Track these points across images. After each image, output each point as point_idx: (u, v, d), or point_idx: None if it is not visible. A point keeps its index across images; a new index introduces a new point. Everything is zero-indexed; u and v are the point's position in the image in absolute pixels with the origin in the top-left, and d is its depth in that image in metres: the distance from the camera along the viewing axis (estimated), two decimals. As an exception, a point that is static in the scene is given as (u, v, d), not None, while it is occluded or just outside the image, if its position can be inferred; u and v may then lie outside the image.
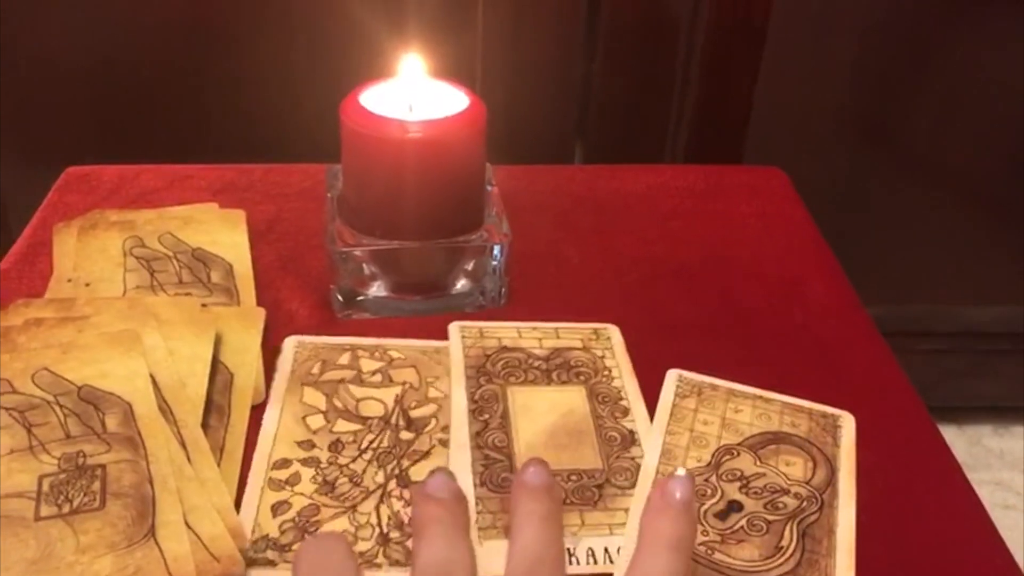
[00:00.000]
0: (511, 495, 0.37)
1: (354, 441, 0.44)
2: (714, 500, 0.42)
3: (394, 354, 0.49)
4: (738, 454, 0.44)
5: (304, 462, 0.43)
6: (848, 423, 0.46)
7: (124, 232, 0.55)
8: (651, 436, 0.44)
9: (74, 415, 0.42)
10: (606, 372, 0.48)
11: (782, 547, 0.40)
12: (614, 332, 0.51)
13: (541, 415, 0.46)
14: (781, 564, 0.39)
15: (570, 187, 0.65)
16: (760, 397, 0.47)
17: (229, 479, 0.41)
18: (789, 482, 0.43)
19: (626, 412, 0.46)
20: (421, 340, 0.50)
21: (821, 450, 0.45)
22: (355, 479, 0.42)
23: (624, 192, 0.65)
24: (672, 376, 0.48)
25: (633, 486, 0.42)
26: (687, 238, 0.60)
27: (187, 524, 0.38)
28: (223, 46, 0.82)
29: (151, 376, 0.44)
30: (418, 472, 0.42)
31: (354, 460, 0.43)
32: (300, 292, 0.54)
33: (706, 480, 0.43)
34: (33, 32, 0.81)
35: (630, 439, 0.45)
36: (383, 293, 0.52)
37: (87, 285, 0.52)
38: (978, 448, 1.03)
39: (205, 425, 0.43)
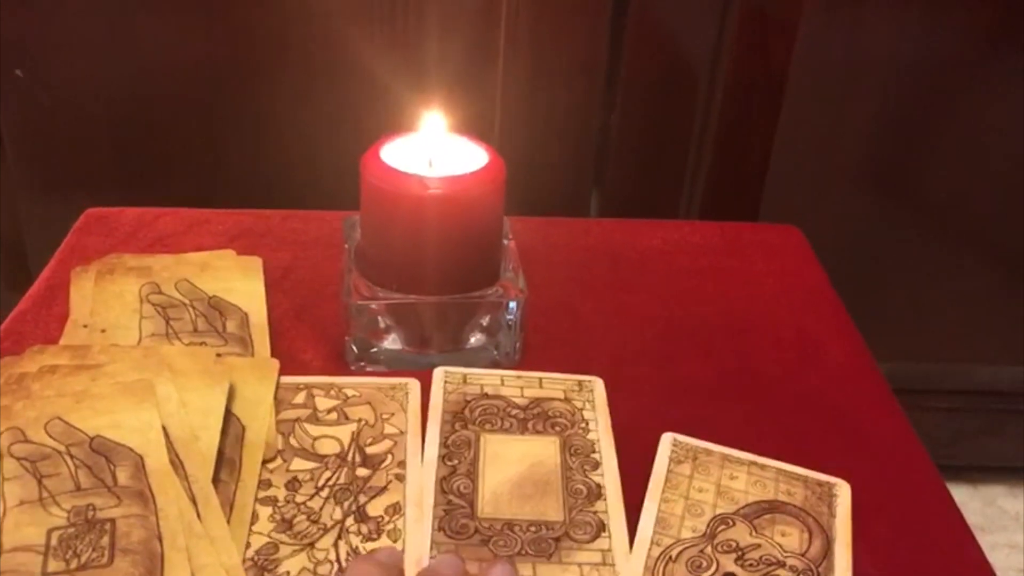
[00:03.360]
0: None
1: (311, 479, 0.44)
2: (710, 572, 0.41)
3: (349, 392, 0.49)
4: (733, 524, 0.44)
5: (262, 501, 0.43)
6: (844, 491, 0.46)
7: (141, 278, 0.56)
8: (646, 504, 0.44)
9: (85, 467, 0.42)
10: (583, 424, 0.48)
11: None
12: (597, 384, 0.51)
13: (510, 464, 0.46)
14: None
15: (586, 240, 0.65)
16: (755, 463, 0.47)
17: (238, 535, 0.41)
18: (785, 554, 0.42)
19: (596, 465, 0.46)
20: (376, 377, 0.51)
21: (817, 520, 0.44)
22: (312, 516, 0.42)
23: (641, 247, 0.64)
24: (667, 440, 0.48)
25: (592, 540, 0.42)
26: (703, 296, 0.60)
27: (195, 583, 0.38)
28: (245, 89, 0.82)
29: (163, 428, 0.44)
30: (375, 508, 0.43)
31: (311, 498, 0.43)
32: (314, 342, 0.54)
33: (701, 551, 0.42)
34: (56, 69, 0.82)
35: (596, 493, 0.44)
36: (397, 346, 0.52)
37: (103, 331, 0.52)
38: (993, 509, 1.02)
39: (216, 479, 0.43)
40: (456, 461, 0.45)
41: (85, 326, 0.52)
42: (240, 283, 0.56)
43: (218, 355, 0.50)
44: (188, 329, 0.52)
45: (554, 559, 0.41)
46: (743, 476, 0.46)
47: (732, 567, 0.42)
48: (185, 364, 0.48)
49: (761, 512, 0.44)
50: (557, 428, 0.48)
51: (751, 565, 0.42)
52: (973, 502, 1.01)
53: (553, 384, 0.51)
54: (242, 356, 0.51)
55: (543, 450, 0.47)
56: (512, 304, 0.52)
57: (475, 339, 0.53)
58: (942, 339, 1.00)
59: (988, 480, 1.05)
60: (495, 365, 0.53)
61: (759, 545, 0.43)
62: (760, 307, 0.59)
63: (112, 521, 0.40)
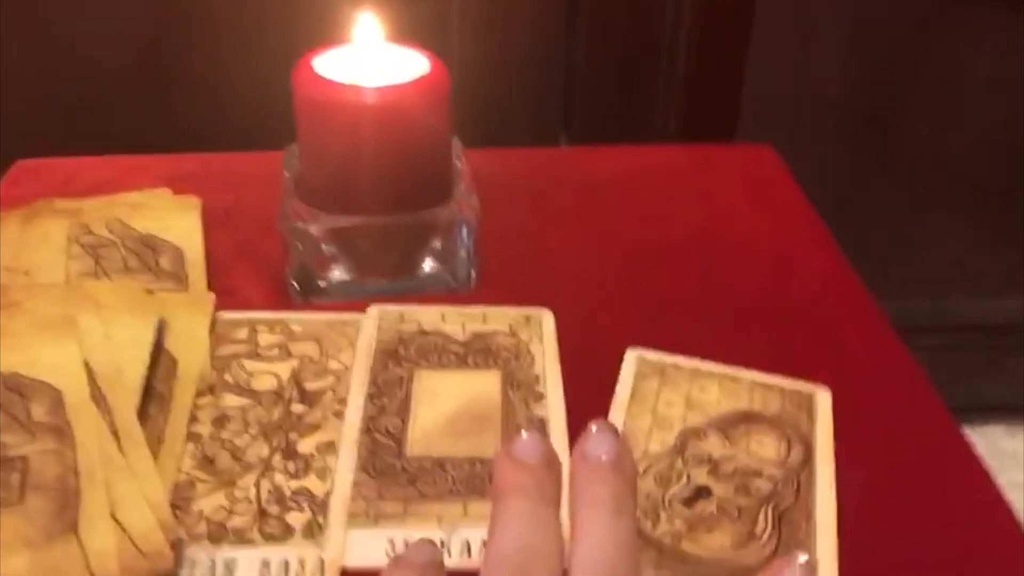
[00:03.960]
0: (571, 467, 0.29)
1: (241, 416, 0.41)
2: (680, 486, 0.38)
3: (295, 327, 0.46)
4: (705, 435, 0.40)
5: (185, 438, 0.40)
6: (824, 399, 0.42)
7: (69, 219, 0.52)
8: (612, 419, 0.41)
9: (-3, 405, 0.38)
10: (528, 357, 0.45)
11: (756, 534, 0.36)
12: (547, 317, 0.47)
13: (446, 400, 0.42)
14: (755, 552, 0.35)
15: (549, 169, 0.62)
16: (727, 375, 0.44)
17: (166, 471, 0.38)
18: (761, 463, 0.39)
19: (540, 398, 0.42)
20: (327, 313, 0.47)
21: (796, 428, 0.41)
22: (237, 454, 0.39)
23: (606, 173, 0.61)
24: (631, 356, 0.44)
25: None
26: (673, 218, 0.57)
27: (115, 517, 0.34)
28: (189, 33, 0.79)
29: (85, 363, 0.40)
30: (306, 445, 0.40)
31: (238, 435, 0.40)
32: (256, 278, 0.50)
33: (671, 465, 0.39)
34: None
35: (539, 427, 0.41)
36: (345, 276, 0.49)
37: (26, 273, 0.48)
38: (992, 449, 0.99)
39: (144, 414, 0.40)
40: (385, 399, 0.42)
41: (7, 269, 0.48)
42: (175, 221, 0.53)
43: (149, 290, 0.47)
44: (118, 268, 0.49)
45: (488, 496, 0.37)
46: (715, 388, 0.43)
47: (704, 479, 0.38)
48: (111, 299, 0.44)
49: (735, 422, 0.41)
50: (500, 362, 0.44)
51: (725, 476, 0.38)
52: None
53: (498, 318, 0.47)
54: (176, 291, 0.48)
55: (482, 385, 0.43)
56: (465, 223, 0.48)
57: (428, 266, 0.50)
58: (929, 275, 0.97)
59: (986, 420, 1.02)
60: (450, 291, 0.49)
61: (733, 456, 0.39)
62: (733, 225, 0.56)
63: (24, 458, 0.36)
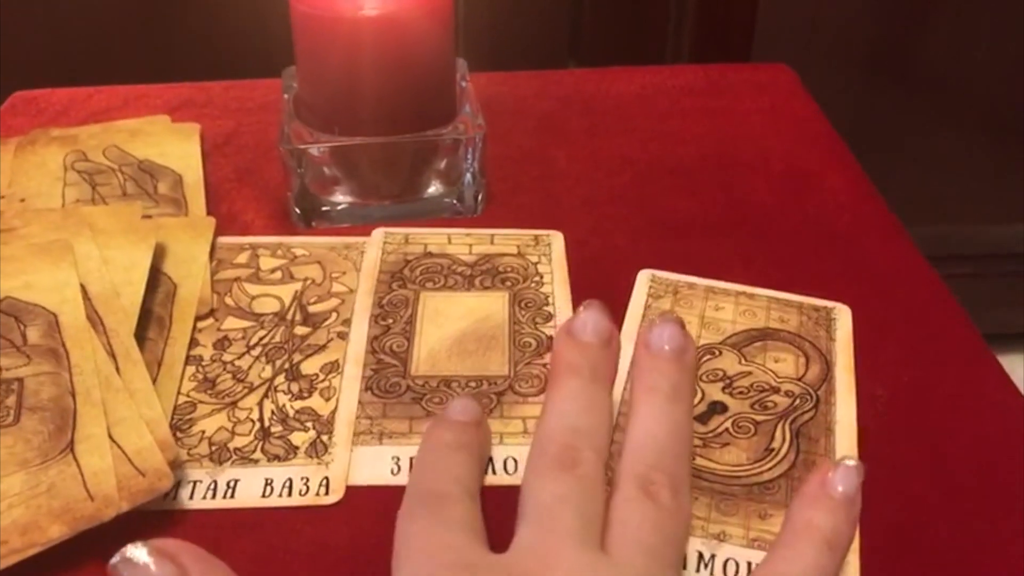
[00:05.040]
0: (634, 355, 0.30)
1: (243, 338, 0.40)
2: (694, 402, 0.36)
3: (298, 251, 0.45)
4: (720, 353, 0.39)
5: (185, 360, 0.39)
6: (844, 315, 0.41)
7: (66, 147, 0.51)
8: (622, 342, 0.39)
9: (-8, 329, 0.37)
10: (537, 278, 0.43)
11: (773, 449, 0.35)
12: (556, 238, 0.46)
13: (452, 321, 0.41)
14: (772, 467, 0.34)
15: (557, 91, 0.60)
16: (743, 293, 0.42)
17: (166, 392, 0.37)
18: (779, 380, 0.38)
19: (548, 318, 0.41)
20: (329, 237, 0.46)
21: (814, 344, 0.39)
22: (239, 375, 0.38)
23: (616, 93, 0.59)
24: (644, 277, 0.43)
25: (539, 393, 0.37)
26: (686, 136, 0.55)
27: (112, 438, 0.33)
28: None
29: (82, 286, 0.39)
30: (310, 366, 0.39)
31: (240, 356, 0.39)
32: (257, 203, 0.49)
33: None
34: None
35: (546, 345, 0.40)
36: (348, 199, 0.47)
37: (22, 201, 0.47)
38: (1013, 378, 0.97)
39: (142, 337, 0.39)
40: (390, 320, 0.41)
41: (2, 197, 0.47)
42: (174, 147, 0.51)
43: (147, 215, 0.45)
44: (116, 194, 0.48)
45: (495, 414, 0.36)
46: (730, 307, 0.41)
47: (719, 396, 0.37)
48: (108, 223, 0.43)
49: (751, 340, 0.40)
50: (507, 283, 0.43)
51: (741, 393, 0.37)
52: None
53: (506, 240, 0.46)
54: (174, 216, 0.46)
55: (490, 305, 0.42)
56: (470, 143, 0.47)
57: (434, 188, 0.48)
58: (947, 200, 0.95)
59: (1007, 349, 1.00)
60: (456, 215, 0.48)
61: (749, 372, 0.38)
62: (748, 143, 0.54)
63: (20, 380, 0.35)
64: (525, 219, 0.47)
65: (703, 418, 0.36)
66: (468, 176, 0.48)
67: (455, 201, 0.48)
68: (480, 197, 0.48)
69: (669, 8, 0.80)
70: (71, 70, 0.76)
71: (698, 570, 0.31)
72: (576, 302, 0.42)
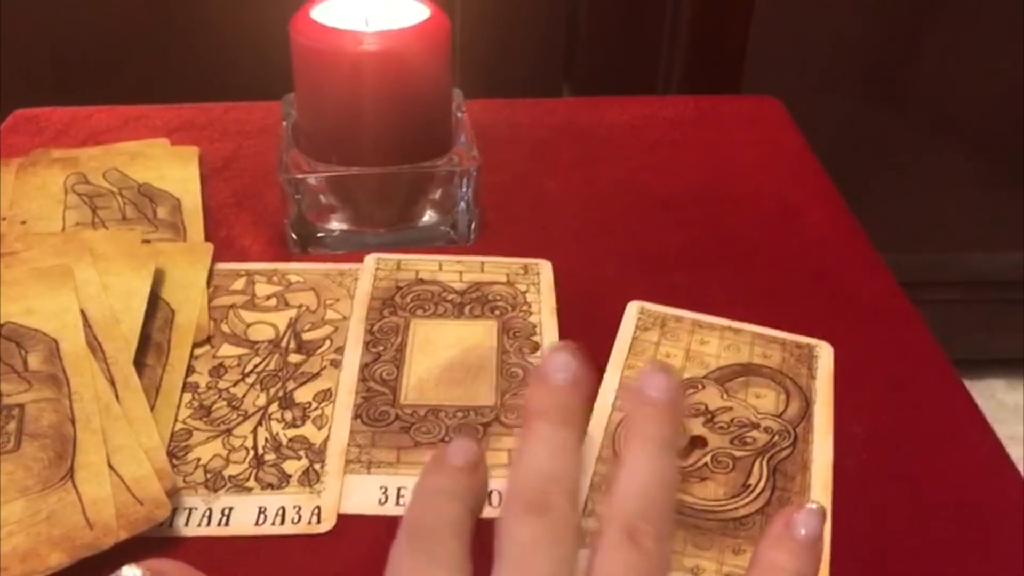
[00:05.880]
0: (625, 402, 0.31)
1: (238, 365, 0.41)
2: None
3: (292, 278, 0.46)
4: (703, 387, 0.40)
5: (182, 388, 0.40)
6: (825, 352, 0.42)
7: (66, 169, 0.51)
8: (609, 372, 0.41)
9: (-7, 354, 0.38)
10: (525, 307, 0.44)
11: (750, 485, 0.36)
12: (544, 267, 0.47)
13: (441, 349, 0.42)
14: (748, 503, 0.35)
15: (550, 120, 0.61)
16: (729, 328, 0.43)
17: (163, 420, 0.38)
18: (759, 416, 0.39)
19: (536, 348, 0.42)
20: (325, 264, 0.47)
21: (795, 381, 0.41)
22: (234, 403, 0.39)
23: (608, 123, 0.60)
24: (633, 308, 0.44)
25: None
26: (676, 168, 0.56)
27: (111, 465, 0.34)
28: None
29: (82, 312, 0.40)
30: (303, 394, 0.40)
31: (235, 384, 0.40)
32: (254, 228, 0.50)
33: None
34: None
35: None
36: (344, 227, 0.48)
37: (23, 223, 0.48)
38: (992, 403, 0.99)
39: (141, 364, 0.39)
40: (381, 348, 0.42)
41: (4, 219, 0.48)
42: (173, 171, 0.52)
43: (146, 240, 0.46)
44: (116, 217, 0.48)
45: (481, 445, 0.37)
46: (715, 341, 0.43)
47: (700, 430, 0.38)
48: (108, 248, 0.44)
49: (734, 375, 0.41)
50: (496, 312, 0.44)
51: (721, 428, 0.38)
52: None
53: (496, 268, 0.47)
54: (173, 241, 0.47)
55: (478, 334, 0.43)
56: (465, 176, 0.48)
57: (428, 217, 0.49)
58: (933, 228, 0.96)
59: (986, 374, 1.02)
60: (450, 243, 0.49)
61: (730, 408, 0.39)
62: (737, 176, 0.55)
63: (21, 407, 0.36)
64: (517, 248, 0.48)
65: (683, 453, 0.37)
66: (462, 205, 0.49)
67: (449, 229, 0.49)
68: (473, 226, 0.49)
69: (663, 33, 0.81)
70: (72, 89, 0.77)
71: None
72: (564, 332, 0.43)
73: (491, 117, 0.59)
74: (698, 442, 0.38)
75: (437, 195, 0.49)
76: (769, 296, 0.46)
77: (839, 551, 0.33)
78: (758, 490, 0.36)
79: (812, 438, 0.38)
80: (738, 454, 0.37)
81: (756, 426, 0.38)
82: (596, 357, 0.41)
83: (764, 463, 0.37)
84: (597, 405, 0.39)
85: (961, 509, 0.36)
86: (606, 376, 0.40)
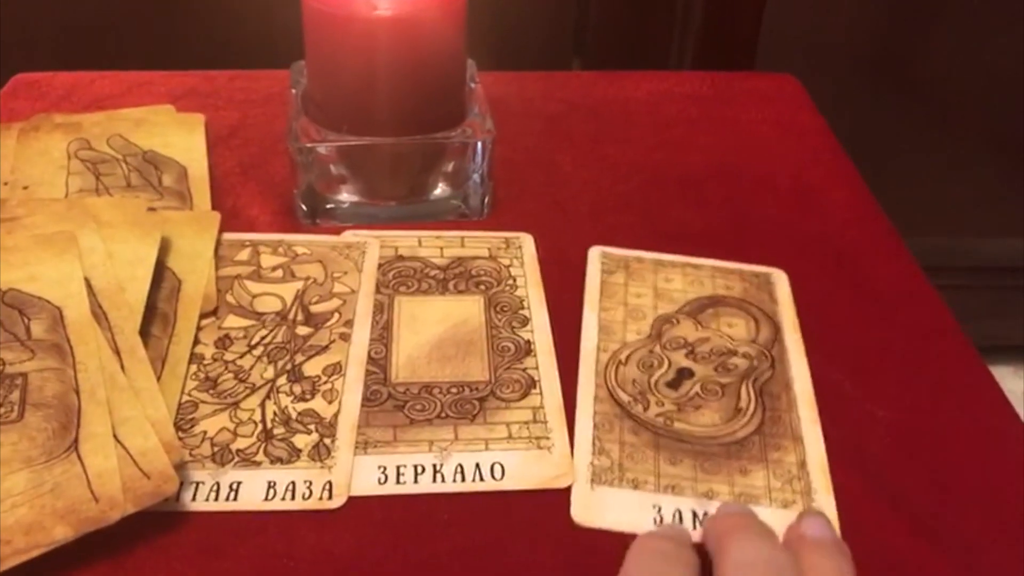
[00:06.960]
0: (787, 542, 0.31)
1: (244, 337, 0.40)
2: (663, 370, 0.39)
3: (299, 249, 0.45)
4: (678, 322, 0.41)
5: (189, 359, 0.39)
6: (780, 279, 0.44)
7: (69, 134, 0.50)
8: (585, 315, 0.42)
9: (-5, 321, 0.37)
10: (510, 281, 0.44)
11: (741, 408, 0.38)
12: (526, 241, 0.46)
13: (429, 326, 0.41)
14: (744, 425, 0.37)
15: (564, 94, 0.59)
16: (689, 264, 0.45)
17: (170, 391, 0.37)
18: (735, 343, 0.40)
19: (525, 322, 0.42)
20: (331, 236, 0.46)
21: (760, 308, 0.42)
22: (241, 375, 0.38)
23: (623, 99, 0.59)
24: (595, 253, 0.45)
25: (521, 398, 0.38)
26: (692, 145, 0.55)
27: (116, 437, 0.33)
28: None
29: (86, 280, 0.39)
30: (313, 367, 0.39)
31: (242, 356, 0.39)
32: (262, 198, 0.49)
33: (651, 351, 0.40)
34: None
35: (525, 349, 0.40)
36: (354, 198, 0.47)
37: (25, 188, 0.47)
38: (998, 391, 0.98)
39: (147, 334, 0.38)
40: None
41: (6, 183, 0.47)
42: (179, 138, 0.51)
43: (152, 208, 0.45)
44: (120, 184, 0.47)
45: (478, 420, 0.37)
46: (678, 277, 0.44)
47: (685, 362, 0.39)
48: (113, 215, 0.43)
49: (703, 307, 0.43)
50: (482, 287, 0.43)
51: (703, 357, 0.40)
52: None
53: (477, 243, 0.46)
54: (179, 210, 0.46)
55: (466, 309, 0.42)
56: (479, 147, 0.47)
57: (440, 190, 0.48)
58: (941, 213, 0.95)
59: (994, 361, 1.01)
60: (461, 217, 0.48)
61: (707, 338, 0.41)
62: (754, 155, 0.54)
63: (24, 375, 0.35)
64: (531, 225, 0.47)
65: (674, 384, 0.38)
66: (476, 178, 0.48)
67: (460, 203, 0.48)
68: (487, 200, 0.48)
69: (675, 9, 0.80)
70: (73, 54, 0.75)
71: (694, 527, 0.33)
72: (553, 305, 0.43)
73: (503, 89, 0.58)
74: (686, 373, 0.39)
75: (449, 168, 0.48)
76: (789, 280, 0.45)
77: (864, 533, 0.33)
78: (750, 412, 0.37)
79: (788, 359, 0.40)
80: (724, 380, 0.39)
81: (735, 352, 0.40)
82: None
83: (750, 386, 0.39)
84: (583, 348, 0.40)
85: (985, 492, 0.35)
86: (584, 318, 0.42)
